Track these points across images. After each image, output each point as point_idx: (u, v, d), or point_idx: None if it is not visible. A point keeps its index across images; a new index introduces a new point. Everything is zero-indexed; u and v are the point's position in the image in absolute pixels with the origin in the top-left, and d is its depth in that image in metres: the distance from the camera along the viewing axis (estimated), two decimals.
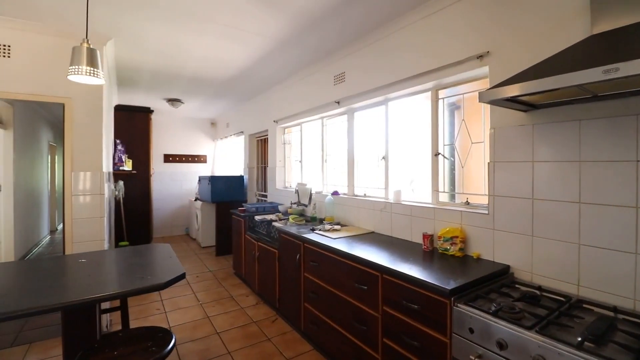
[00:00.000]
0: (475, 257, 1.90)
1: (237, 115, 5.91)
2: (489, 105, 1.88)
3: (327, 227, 2.71)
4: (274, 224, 3.27)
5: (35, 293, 1.34)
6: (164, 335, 1.34)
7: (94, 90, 2.74)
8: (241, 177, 5.46)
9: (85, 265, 1.74)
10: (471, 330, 1.34)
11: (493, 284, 1.60)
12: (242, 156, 5.79)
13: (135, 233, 5.63)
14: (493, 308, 1.33)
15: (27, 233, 5.02)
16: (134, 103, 5.49)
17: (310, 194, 3.52)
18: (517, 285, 1.62)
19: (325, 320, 2.28)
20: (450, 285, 1.46)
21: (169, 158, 6.86)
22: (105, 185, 2.83)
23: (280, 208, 3.93)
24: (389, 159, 2.74)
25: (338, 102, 3.12)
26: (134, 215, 5.62)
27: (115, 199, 5.35)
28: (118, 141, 4.97)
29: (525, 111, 1.69)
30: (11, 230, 4.31)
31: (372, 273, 1.86)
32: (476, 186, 2.13)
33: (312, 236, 2.51)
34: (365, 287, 1.90)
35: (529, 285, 1.60)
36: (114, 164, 4.86)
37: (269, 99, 4.62)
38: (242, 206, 4.18)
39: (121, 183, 5.45)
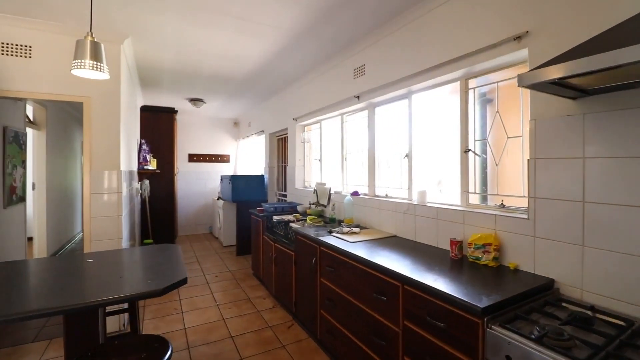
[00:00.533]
0: (512, 268, 1.66)
1: (258, 114, 5.87)
2: (528, 94, 1.63)
3: (345, 229, 2.54)
4: (291, 224, 3.14)
5: (32, 296, 1.29)
6: (160, 345, 1.25)
7: (112, 89, 2.74)
8: (261, 177, 5.40)
9: (91, 266, 1.70)
10: (508, 359, 1.13)
11: (534, 302, 1.37)
12: (263, 155, 5.73)
13: (159, 231, 5.74)
14: (536, 333, 1.11)
15: (60, 230, 5.25)
16: (159, 104, 5.59)
17: (329, 194, 3.37)
18: (564, 304, 1.37)
19: (342, 331, 2.12)
20: (482, 302, 1.25)
21: (193, 157, 6.96)
22: (124, 184, 2.83)
23: (299, 208, 3.80)
24: (413, 157, 2.52)
25: (358, 97, 2.93)
26: (158, 213, 5.74)
27: (141, 197, 5.49)
28: (143, 141, 5.06)
29: (574, 98, 1.43)
30: (44, 228, 4.51)
31: (393, 283, 1.67)
32: (513, 186, 1.88)
33: (329, 239, 2.35)
34: (385, 298, 1.71)
35: (579, 305, 1.35)
36: (139, 163, 4.95)
37: (288, 97, 4.52)
38: (261, 206, 4.09)
39: (147, 182, 5.57)
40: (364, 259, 1.87)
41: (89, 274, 1.59)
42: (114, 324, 2.68)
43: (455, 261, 1.82)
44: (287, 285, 3.03)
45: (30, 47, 2.49)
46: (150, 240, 5.16)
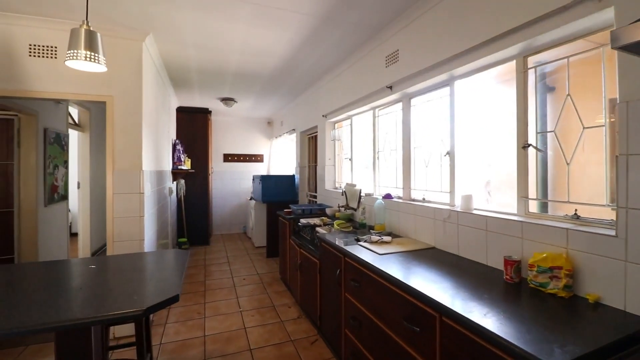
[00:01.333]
0: (591, 302, 1.25)
1: (290, 112, 5.70)
2: (615, 68, 1.21)
3: (375, 238, 2.22)
4: (317, 229, 2.89)
5: (14, 308, 1.17)
6: None
7: (134, 87, 2.68)
8: (292, 177, 5.22)
9: (89, 273, 1.59)
10: None
11: (630, 357, 0.97)
12: (294, 155, 5.55)
13: (194, 230, 5.81)
14: None
15: (102, 227, 5.52)
16: (193, 105, 5.65)
17: (359, 197, 3.06)
18: None
19: (368, 358, 1.81)
20: (555, 356, 0.88)
21: (228, 157, 7.00)
22: (146, 185, 2.78)
23: (328, 211, 3.54)
24: (455, 156, 2.13)
25: (390, 87, 2.59)
26: (193, 212, 5.81)
27: (176, 196, 5.59)
28: (177, 141, 5.13)
29: None
30: (88, 225, 4.71)
31: (428, 312, 1.34)
32: (590, 191, 1.45)
33: (355, 249, 2.06)
34: (418, 329, 1.39)
35: None
36: (173, 163, 5.02)
37: (317, 93, 4.27)
38: (289, 207, 3.89)
39: (182, 181, 5.67)
40: (393, 277, 1.56)
41: (83, 284, 1.46)
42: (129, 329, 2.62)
43: (511, 286, 1.43)
44: (312, 296, 2.78)
45: (55, 47, 2.50)
46: (184, 239, 5.22)
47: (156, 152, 3.45)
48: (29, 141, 3.38)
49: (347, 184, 3.41)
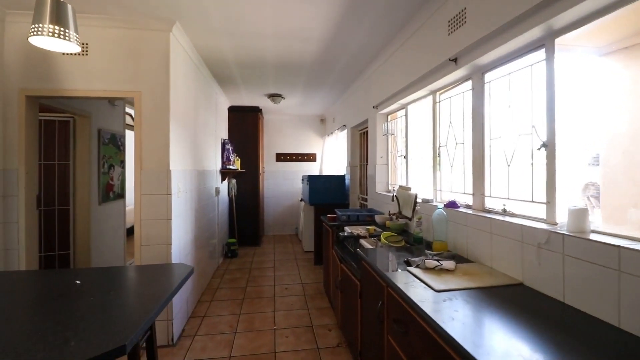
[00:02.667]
0: None
1: (340, 107, 5.23)
2: None
3: (431, 262, 1.63)
4: (361, 241, 2.39)
5: None
6: None
7: (161, 82, 2.50)
8: (342, 178, 4.74)
9: (68, 293, 1.34)
10: None
11: None
12: (346, 153, 5.07)
13: (245, 230, 5.72)
14: None
15: None
16: (243, 104, 5.55)
17: (414, 203, 2.45)
18: None
19: None
20: None
21: (280, 157, 6.83)
22: (175, 185, 2.58)
23: (378, 219, 2.99)
24: (556, 149, 1.43)
25: (455, 60, 1.96)
26: (244, 213, 5.72)
27: (228, 196, 5.55)
28: (226, 140, 5.05)
29: None
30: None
31: None
32: None
33: (402, 277, 1.51)
34: None
35: None
36: (222, 162, 4.95)
37: (367, 81, 3.72)
38: (335, 212, 3.44)
39: (234, 181, 5.62)
40: (454, 340, 0.99)
41: (48, 309, 1.21)
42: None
43: None
44: (353, 323, 2.28)
45: (86, 44, 2.43)
46: (234, 240, 5.13)
47: (194, 151, 3.29)
48: (83, 142, 3.51)
49: (400, 187, 2.82)
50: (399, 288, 1.40)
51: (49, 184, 3.36)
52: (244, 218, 5.73)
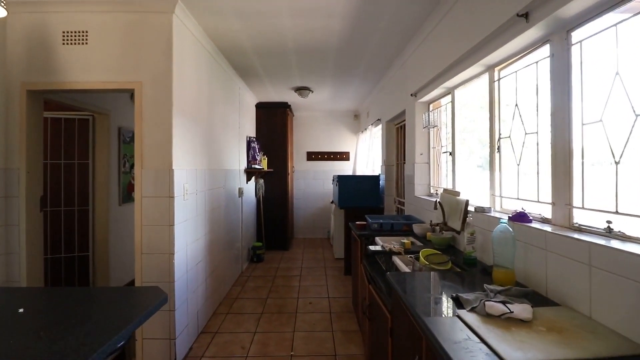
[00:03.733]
0: None
1: (374, 99, 4.71)
2: None
3: (495, 307, 1.09)
4: (394, 259, 1.90)
5: None
6: None
7: (163, 71, 2.21)
8: (376, 178, 4.23)
9: (6, 322, 1.04)
10: None
11: None
12: (380, 151, 4.54)
13: (272, 233, 5.43)
14: None
15: None
16: (270, 99, 5.24)
17: (465, 212, 1.90)
18: None
19: None
20: None
21: (311, 156, 6.46)
22: (178, 187, 2.28)
23: (416, 229, 2.46)
24: None
25: (526, 16, 1.39)
26: (272, 214, 5.43)
27: (255, 197, 5.29)
28: (253, 138, 4.77)
29: None
30: None
31: None
32: None
33: (448, 329, 1.02)
34: None
35: None
36: (248, 162, 4.68)
37: (404, 66, 3.18)
38: (365, 218, 2.96)
39: (261, 181, 5.35)
40: None
41: None
42: None
43: None
44: None
45: (86, 32, 2.21)
46: (260, 244, 4.84)
47: (209, 148, 3.00)
48: (102, 140, 3.39)
49: (444, 190, 2.27)
50: (444, 351, 0.91)
51: (69, 183, 3.27)
52: (272, 220, 5.43)
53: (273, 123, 5.39)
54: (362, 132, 5.70)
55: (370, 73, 3.86)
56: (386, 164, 4.09)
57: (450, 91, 2.47)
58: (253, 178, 4.95)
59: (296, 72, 3.79)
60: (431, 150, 2.91)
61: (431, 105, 2.92)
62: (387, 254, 2.04)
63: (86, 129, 3.32)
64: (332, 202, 5.49)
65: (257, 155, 4.84)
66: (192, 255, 2.55)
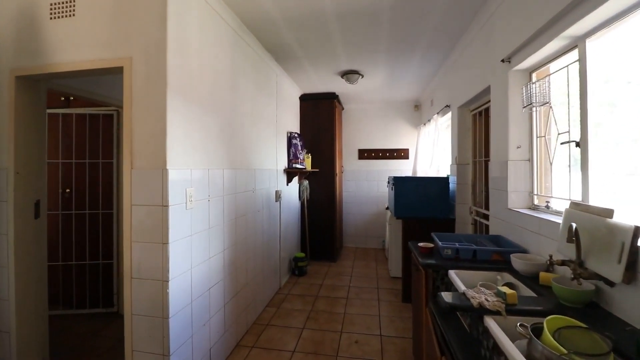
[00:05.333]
0: None
1: (442, 81, 3.77)
2: None
3: None
4: (487, 323, 1.09)
5: None
6: None
7: (156, 40, 1.69)
8: (444, 181, 3.31)
9: None
10: None
11: None
12: (449, 146, 3.59)
13: (317, 242, 4.79)
14: None
15: None
16: (315, 90, 4.59)
17: (632, 250, 0.99)
18: None
19: None
20: None
21: (364, 154, 5.68)
22: (174, 192, 1.74)
23: (518, 263, 1.57)
24: None
25: None
26: (317, 220, 4.79)
27: (299, 200, 4.72)
28: (295, 134, 4.19)
29: None
30: None
31: None
32: None
33: None
34: None
35: None
36: (289, 160, 4.11)
37: (489, 23, 2.25)
38: (432, 238, 2.13)
39: (306, 183, 4.75)
40: None
41: None
42: None
43: None
44: None
45: (73, 1, 1.79)
46: (302, 254, 4.24)
47: (231, 144, 2.45)
48: None
49: (574, 205, 1.36)
50: None
51: (94, 184, 3.02)
52: (318, 227, 4.79)
53: (318, 117, 4.74)
54: (424, 124, 4.75)
55: (438, 43, 2.97)
56: (458, 162, 3.15)
57: (574, 44, 1.54)
58: (295, 179, 4.37)
59: (340, 49, 3.08)
60: (535, 140, 1.97)
61: (534, 75, 1.97)
62: (473, 310, 1.22)
63: (109, 125, 3.03)
64: (387, 207, 4.65)
65: (300, 154, 4.24)
66: (200, 279, 2.00)
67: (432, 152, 4.18)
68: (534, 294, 1.38)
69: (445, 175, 3.63)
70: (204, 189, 2.04)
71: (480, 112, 2.88)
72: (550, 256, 1.37)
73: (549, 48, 1.67)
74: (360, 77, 3.81)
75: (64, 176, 2.99)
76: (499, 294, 1.25)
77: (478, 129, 2.94)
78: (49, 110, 3.01)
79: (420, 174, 4.67)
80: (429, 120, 4.28)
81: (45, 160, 2.18)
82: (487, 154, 2.75)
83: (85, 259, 3.00)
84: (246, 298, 2.72)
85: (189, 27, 1.89)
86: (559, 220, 1.54)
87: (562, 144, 1.72)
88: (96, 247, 3.02)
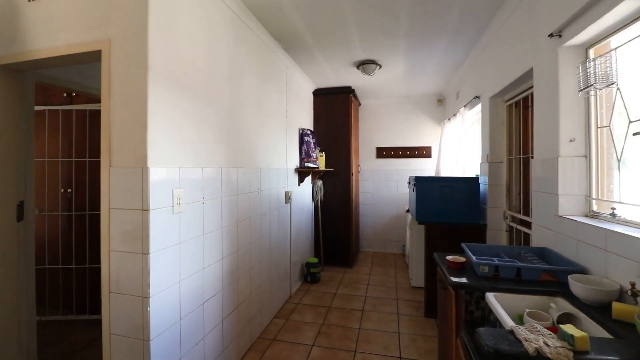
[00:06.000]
0: None
1: (470, 71, 3.38)
2: None
3: None
4: None
5: None
6: None
7: (137, 20, 1.45)
8: (473, 181, 2.93)
9: None
10: None
11: None
12: (479, 143, 3.20)
13: (332, 246, 4.50)
14: None
15: None
16: (329, 83, 4.30)
17: None
18: None
19: None
20: None
21: (382, 152, 5.33)
22: (156, 194, 1.50)
23: (581, 289, 1.22)
24: None
25: None
26: (332, 223, 4.50)
27: (312, 202, 4.45)
28: (307, 131, 3.92)
29: None
30: None
31: None
32: None
33: None
34: None
35: None
36: (301, 159, 3.85)
37: None
38: (463, 249, 1.80)
39: (320, 183, 4.48)
40: None
41: None
42: None
43: None
44: None
45: None
46: (315, 260, 3.96)
47: (231, 140, 2.21)
48: None
49: None
50: None
51: (94, 184, 2.86)
52: (333, 230, 4.50)
53: (333, 113, 4.44)
54: (448, 120, 4.36)
55: (467, 22, 2.61)
56: (490, 160, 2.77)
57: None
58: (307, 179, 4.10)
59: (355, 34, 2.77)
60: (594, 132, 1.59)
61: (591, 51, 1.60)
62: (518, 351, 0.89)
63: None
64: (407, 210, 4.29)
65: (313, 152, 3.96)
66: (192, 293, 1.76)
67: (457, 149, 3.79)
68: (607, 334, 1.03)
69: (474, 175, 3.24)
70: (197, 190, 1.80)
71: (516, 103, 2.49)
72: (633, 284, 1.02)
73: (615, 14, 1.30)
74: (378, 67, 3.48)
75: (64, 175, 2.85)
76: (563, 336, 0.92)
77: (515, 121, 2.56)
78: (48, 107, 2.90)
79: (444, 173, 4.28)
80: (454, 115, 3.89)
81: (33, 158, 2.01)
82: (525, 150, 2.37)
83: (85, 262, 2.85)
84: (250, 310, 2.47)
85: (177, 4, 1.65)
86: (637, 233, 1.17)
87: (634, 134, 1.34)
88: (97, 249, 2.87)
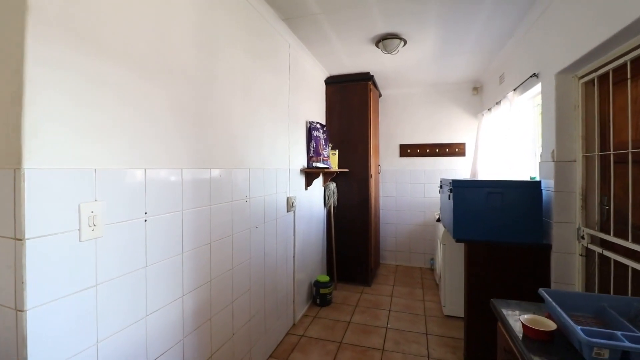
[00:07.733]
0: None
1: (522, 44, 2.62)
2: None
3: None
4: None
5: None
6: None
7: None
8: (534, 186, 2.18)
9: None
10: None
11: None
12: (534, 136, 2.45)
13: (346, 261, 3.86)
14: None
15: None
16: (345, 69, 3.66)
17: None
18: None
19: None
20: None
21: (407, 150, 4.62)
22: (37, 211, 0.93)
23: None
24: None
25: None
26: (346, 234, 3.87)
27: (324, 208, 3.83)
28: (317, 124, 3.30)
29: None
30: None
31: None
32: None
33: None
34: None
35: None
36: (308, 158, 3.24)
37: None
38: (549, 303, 1.11)
39: (332, 186, 3.85)
40: None
41: None
42: None
43: None
44: None
45: None
46: (327, 279, 3.33)
47: (201, 133, 1.63)
48: None
49: None
50: None
51: None
52: (348, 241, 3.86)
53: (348, 104, 3.80)
54: (488, 110, 3.59)
55: None
56: (557, 158, 2.04)
57: None
58: (317, 182, 3.48)
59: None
60: None
61: None
62: None
63: None
64: (438, 219, 3.58)
65: (324, 149, 3.34)
66: (122, 355, 1.18)
67: (502, 146, 3.04)
68: None
69: (532, 179, 2.51)
70: (134, 202, 1.23)
71: (600, 77, 1.76)
72: None
73: None
74: (402, 43, 2.80)
75: None
76: None
77: (598, 104, 1.82)
78: None
79: (482, 175, 3.53)
80: (497, 104, 3.14)
81: None
82: (615, 145, 1.64)
83: None
84: (233, 355, 1.89)
85: None
86: None
87: None
88: None
